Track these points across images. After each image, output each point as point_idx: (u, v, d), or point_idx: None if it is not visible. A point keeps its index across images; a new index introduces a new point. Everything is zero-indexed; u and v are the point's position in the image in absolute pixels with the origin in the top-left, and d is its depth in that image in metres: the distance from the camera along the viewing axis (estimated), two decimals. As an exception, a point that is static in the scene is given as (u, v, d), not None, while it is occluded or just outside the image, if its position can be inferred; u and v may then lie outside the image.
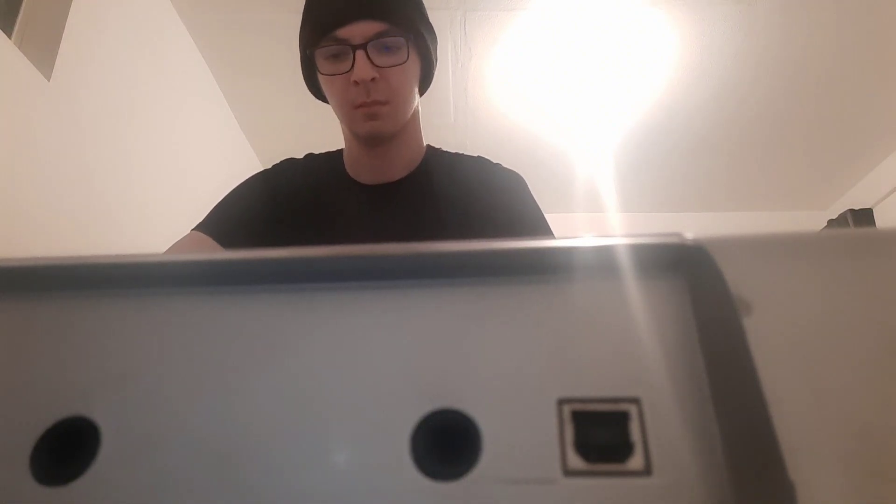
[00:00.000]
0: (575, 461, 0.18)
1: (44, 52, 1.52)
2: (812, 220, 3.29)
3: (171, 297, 0.22)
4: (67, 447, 0.20)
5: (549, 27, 2.20)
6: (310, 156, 0.97)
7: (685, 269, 0.20)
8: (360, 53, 0.77)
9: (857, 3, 2.08)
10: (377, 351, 0.20)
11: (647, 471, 0.17)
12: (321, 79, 0.83)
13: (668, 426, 0.18)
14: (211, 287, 0.22)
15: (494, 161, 0.94)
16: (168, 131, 2.07)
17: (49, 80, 1.49)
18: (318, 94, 0.88)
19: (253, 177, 0.94)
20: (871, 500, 0.15)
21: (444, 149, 0.97)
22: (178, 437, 0.19)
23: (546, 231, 0.85)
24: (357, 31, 0.77)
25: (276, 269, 0.22)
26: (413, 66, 0.83)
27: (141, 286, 0.22)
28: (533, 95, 2.54)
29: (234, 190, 0.91)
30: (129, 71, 1.85)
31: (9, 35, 1.49)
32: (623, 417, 0.18)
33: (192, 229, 0.84)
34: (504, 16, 2.16)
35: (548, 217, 0.87)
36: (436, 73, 0.90)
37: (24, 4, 1.57)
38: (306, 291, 0.21)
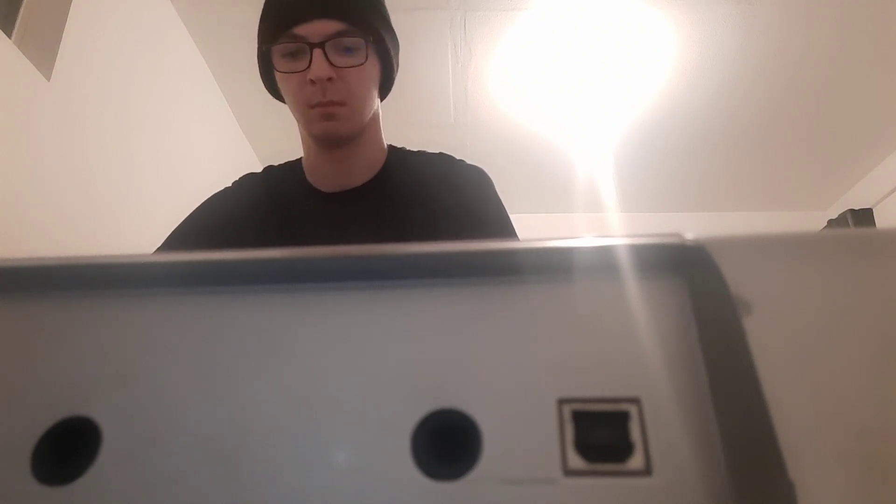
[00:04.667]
0: (575, 461, 0.18)
1: (44, 52, 1.52)
2: (812, 220, 3.29)
3: (170, 297, 0.22)
4: (68, 447, 0.20)
5: (549, 27, 2.20)
6: (269, 168, 0.95)
7: (685, 270, 0.20)
8: (317, 52, 0.75)
9: (857, 3, 2.08)
10: (377, 351, 0.20)
11: (647, 471, 0.17)
12: (277, 76, 0.82)
13: (668, 426, 0.18)
14: (211, 287, 0.22)
15: (458, 158, 0.93)
16: (168, 131, 2.07)
17: (49, 80, 1.49)
18: (275, 92, 0.87)
19: (213, 196, 0.91)
20: (871, 500, 0.15)
21: (408, 148, 0.95)
22: (178, 437, 0.19)
23: (508, 227, 0.84)
24: (316, 29, 0.76)
25: (275, 269, 0.22)
26: (372, 69, 0.81)
27: (141, 286, 0.22)
28: (533, 95, 2.54)
29: (194, 211, 0.89)
30: (129, 71, 1.85)
31: (9, 35, 1.49)
32: (623, 417, 0.18)
33: (155, 250, 0.82)
34: (504, 16, 2.16)
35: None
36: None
37: (24, 4, 1.57)
38: (306, 291, 0.21)
